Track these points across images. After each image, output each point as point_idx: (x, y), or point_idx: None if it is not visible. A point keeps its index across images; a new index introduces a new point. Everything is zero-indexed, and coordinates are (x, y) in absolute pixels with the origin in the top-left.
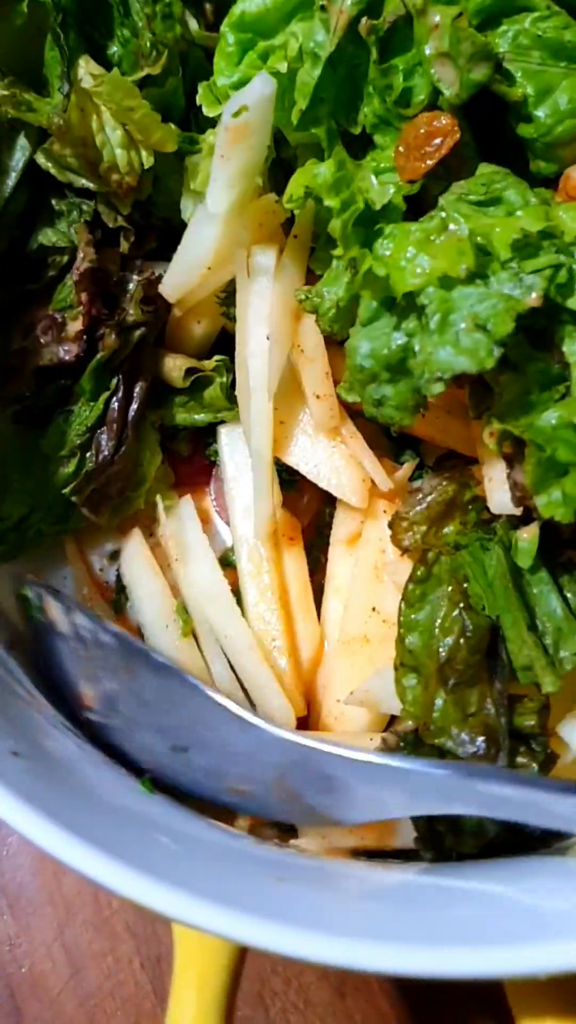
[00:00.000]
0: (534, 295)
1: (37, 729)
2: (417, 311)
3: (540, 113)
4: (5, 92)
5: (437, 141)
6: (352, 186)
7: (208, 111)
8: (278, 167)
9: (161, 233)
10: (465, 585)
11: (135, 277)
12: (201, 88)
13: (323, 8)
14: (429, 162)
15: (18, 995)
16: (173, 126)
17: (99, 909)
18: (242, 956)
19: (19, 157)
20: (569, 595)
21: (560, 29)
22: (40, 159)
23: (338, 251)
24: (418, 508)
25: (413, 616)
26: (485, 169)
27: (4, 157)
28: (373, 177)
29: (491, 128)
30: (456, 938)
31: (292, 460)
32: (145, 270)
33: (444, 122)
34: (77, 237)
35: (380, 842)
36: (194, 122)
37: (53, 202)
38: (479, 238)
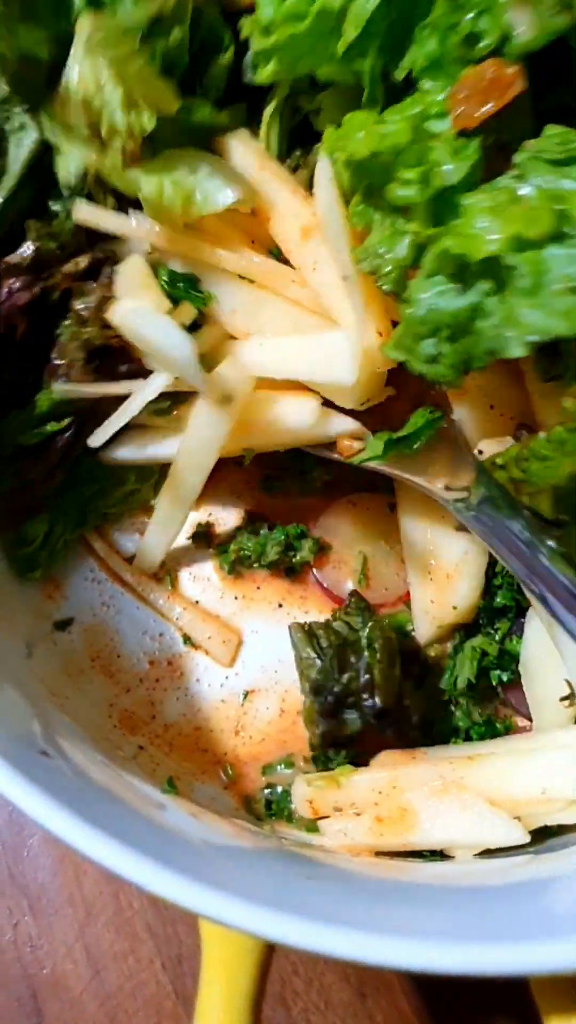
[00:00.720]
0: None
1: (65, 732)
2: (494, 274)
3: None
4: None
5: (491, 104)
6: (427, 164)
7: (245, 32)
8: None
9: None
10: None
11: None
12: (243, 22)
13: None
14: (489, 108)
15: (40, 996)
16: (173, 84)
17: (120, 910)
18: (268, 957)
19: (27, 144)
20: None
21: None
22: (44, 123)
23: (412, 226)
24: None
25: None
26: (554, 129)
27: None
28: (444, 149)
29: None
30: (478, 935)
31: None
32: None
33: (512, 71)
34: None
35: (400, 838)
36: (199, 86)
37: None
38: (554, 203)
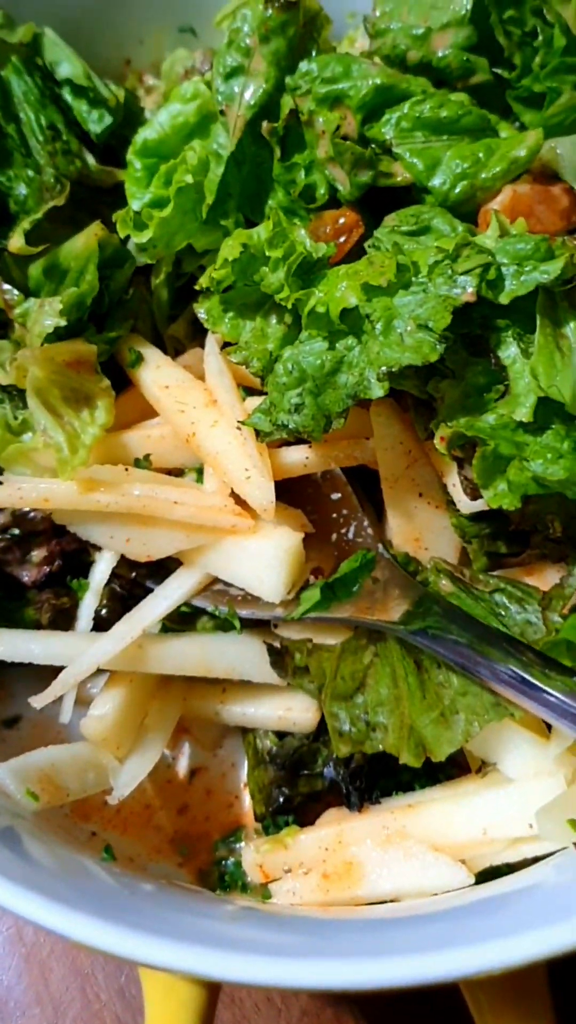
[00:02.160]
0: (469, 290)
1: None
2: (355, 328)
3: (435, 182)
4: None
5: (343, 238)
6: (288, 241)
7: (121, 232)
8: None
9: None
10: (416, 650)
11: None
12: (117, 217)
13: (222, 112)
14: (343, 241)
15: None
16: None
17: (88, 1003)
18: (209, 1009)
19: None
20: None
21: (436, 108)
22: None
23: (282, 294)
24: None
25: None
26: (410, 208)
27: None
28: (304, 232)
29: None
30: (394, 951)
31: None
32: None
33: (347, 220)
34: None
35: (348, 892)
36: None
37: None
38: (400, 257)
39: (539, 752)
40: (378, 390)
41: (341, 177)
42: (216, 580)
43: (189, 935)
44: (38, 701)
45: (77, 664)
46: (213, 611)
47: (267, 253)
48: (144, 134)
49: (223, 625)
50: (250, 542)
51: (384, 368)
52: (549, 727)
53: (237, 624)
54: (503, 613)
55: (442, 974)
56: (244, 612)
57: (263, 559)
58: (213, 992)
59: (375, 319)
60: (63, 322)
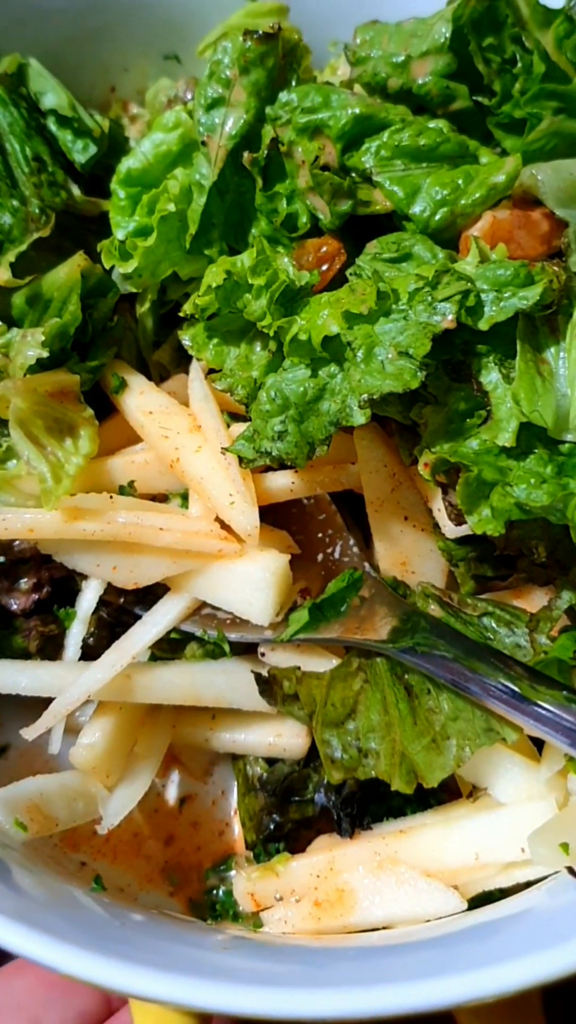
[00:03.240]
0: (449, 317)
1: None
2: (337, 356)
3: (416, 210)
4: None
5: (325, 266)
6: (271, 268)
7: (106, 262)
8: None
9: None
10: (406, 676)
11: None
12: (102, 247)
13: (203, 143)
14: (325, 270)
15: None
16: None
17: None
18: None
19: None
20: None
21: (415, 136)
22: None
23: (265, 321)
24: None
25: None
26: (391, 235)
27: None
28: (287, 260)
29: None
30: (387, 979)
31: None
32: None
33: (329, 248)
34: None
35: (340, 921)
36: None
37: None
38: (381, 284)
39: (530, 776)
40: (360, 417)
41: (321, 206)
42: (204, 604)
43: (179, 966)
44: (29, 733)
45: (67, 695)
46: (202, 635)
47: (250, 280)
48: (128, 163)
49: (212, 652)
50: (237, 565)
51: (365, 396)
52: (540, 750)
53: (227, 648)
54: (492, 636)
55: (436, 1002)
56: (233, 636)
57: (251, 582)
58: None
59: (356, 347)
60: (45, 353)
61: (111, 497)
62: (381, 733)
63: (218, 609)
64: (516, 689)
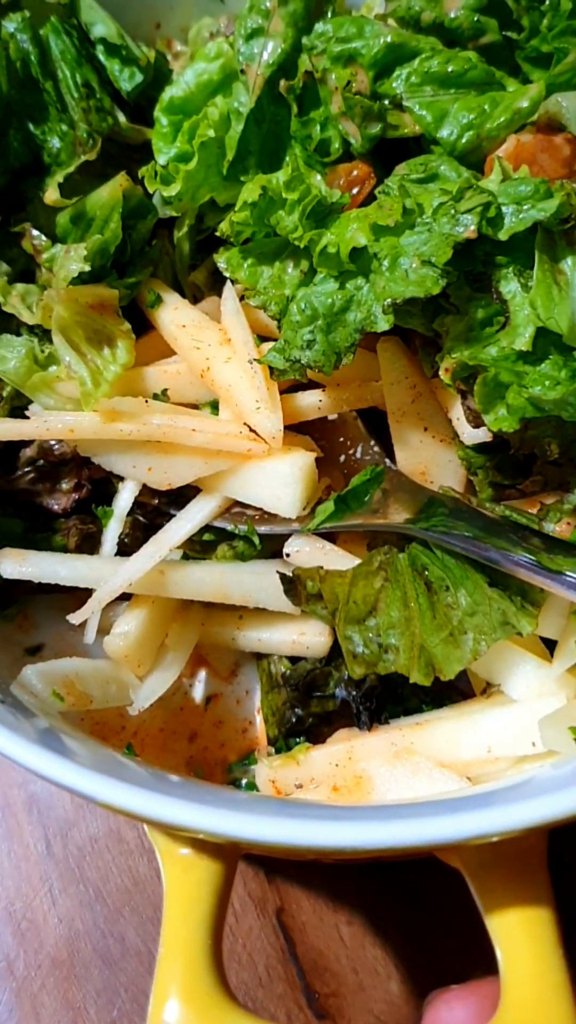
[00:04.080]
0: (471, 227)
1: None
2: (363, 268)
3: (443, 133)
4: None
5: (356, 189)
6: (304, 184)
7: (150, 186)
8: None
9: None
10: (426, 572)
11: None
12: (144, 171)
13: (242, 71)
14: (356, 192)
15: None
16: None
17: None
18: (226, 888)
19: None
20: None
21: (444, 64)
22: None
23: (296, 234)
24: None
25: None
26: (419, 157)
27: None
28: (320, 178)
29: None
30: (403, 816)
31: None
32: None
33: (359, 172)
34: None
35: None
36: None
37: None
38: (407, 200)
39: (541, 673)
40: (383, 323)
41: (353, 131)
42: (235, 504)
43: (215, 802)
44: (75, 618)
45: (110, 584)
46: (233, 530)
47: (284, 195)
48: (171, 92)
49: (241, 554)
50: (265, 464)
51: (389, 301)
52: (551, 649)
53: (256, 540)
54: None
55: (451, 834)
56: (263, 528)
57: (279, 477)
58: (229, 871)
59: (382, 257)
60: (87, 267)
61: (146, 401)
62: (401, 629)
63: (247, 507)
64: (536, 560)
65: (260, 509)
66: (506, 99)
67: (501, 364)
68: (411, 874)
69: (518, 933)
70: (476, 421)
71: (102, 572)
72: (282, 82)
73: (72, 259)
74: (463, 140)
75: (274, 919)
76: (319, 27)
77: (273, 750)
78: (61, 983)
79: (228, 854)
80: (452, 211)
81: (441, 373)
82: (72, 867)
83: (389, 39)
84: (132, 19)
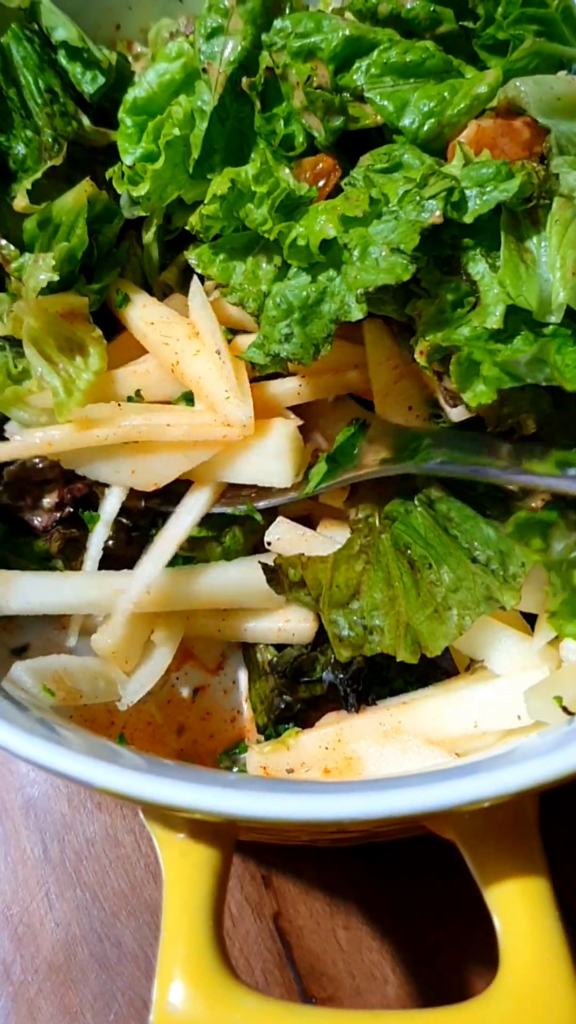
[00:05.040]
0: (437, 213)
1: None
2: (334, 260)
3: (406, 122)
4: None
5: (322, 182)
6: (273, 177)
7: (118, 187)
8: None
9: None
10: (408, 551)
11: None
12: (111, 173)
13: (204, 71)
14: (323, 185)
15: None
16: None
17: None
18: (225, 869)
19: None
20: (495, 520)
21: (402, 54)
22: None
23: (266, 227)
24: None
25: None
26: (382, 147)
27: None
28: (288, 172)
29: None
30: (398, 787)
31: None
32: None
33: (324, 165)
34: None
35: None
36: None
37: None
38: (373, 190)
39: (524, 647)
40: (357, 312)
41: (316, 124)
42: (229, 488)
43: (209, 781)
44: (101, 640)
45: (130, 594)
46: (234, 511)
47: (253, 188)
48: (134, 93)
49: (227, 552)
50: (250, 443)
51: (361, 290)
52: (531, 623)
53: (258, 516)
54: (492, 510)
55: (444, 801)
56: (261, 504)
57: (267, 452)
58: (227, 853)
59: (352, 247)
60: (56, 276)
61: (119, 405)
62: (385, 609)
63: (242, 487)
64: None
65: (254, 486)
66: (465, 86)
67: (474, 344)
68: (409, 878)
69: (514, 898)
70: (454, 401)
71: (113, 586)
72: (244, 79)
73: (41, 268)
74: (425, 128)
75: (271, 923)
76: (278, 23)
77: (263, 738)
78: (58, 988)
79: (224, 836)
80: (417, 198)
81: (417, 356)
82: (69, 871)
83: (347, 32)
84: (92, 22)
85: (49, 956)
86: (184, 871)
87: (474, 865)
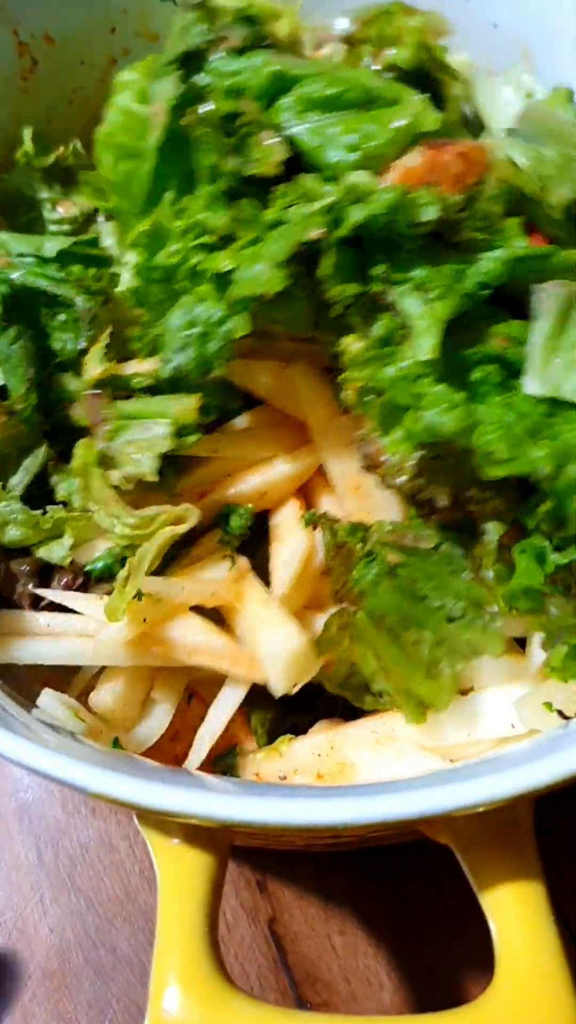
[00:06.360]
0: (318, 231)
1: None
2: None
3: (330, 158)
4: None
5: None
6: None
7: None
8: None
9: None
10: (385, 619)
11: None
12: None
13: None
14: None
15: None
16: None
17: None
18: (220, 875)
19: None
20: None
21: (323, 88)
22: None
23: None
24: None
25: None
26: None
27: None
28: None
29: None
30: (394, 791)
31: None
32: None
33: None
34: None
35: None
36: None
37: None
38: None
39: (516, 667)
40: (242, 328)
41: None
42: None
43: (202, 787)
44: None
45: None
46: None
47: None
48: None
49: None
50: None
51: (240, 304)
52: (522, 645)
53: None
54: (455, 565)
55: (442, 805)
56: None
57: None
58: (222, 859)
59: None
60: None
61: None
62: (382, 676)
63: None
64: None
65: None
66: (386, 117)
67: (399, 385)
68: (404, 884)
69: (510, 902)
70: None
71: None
72: (181, 120)
73: None
74: (350, 163)
75: (266, 929)
76: (210, 62)
77: (256, 744)
78: (52, 994)
79: (219, 842)
80: (302, 216)
81: (346, 394)
82: (63, 877)
83: (274, 68)
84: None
85: (43, 962)
86: (179, 876)
87: (469, 870)
